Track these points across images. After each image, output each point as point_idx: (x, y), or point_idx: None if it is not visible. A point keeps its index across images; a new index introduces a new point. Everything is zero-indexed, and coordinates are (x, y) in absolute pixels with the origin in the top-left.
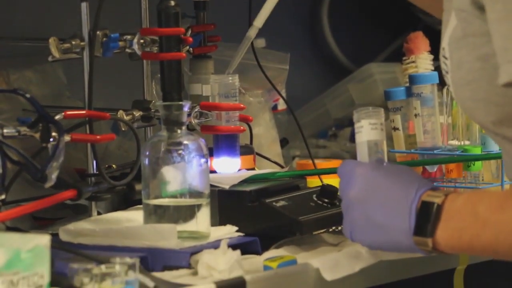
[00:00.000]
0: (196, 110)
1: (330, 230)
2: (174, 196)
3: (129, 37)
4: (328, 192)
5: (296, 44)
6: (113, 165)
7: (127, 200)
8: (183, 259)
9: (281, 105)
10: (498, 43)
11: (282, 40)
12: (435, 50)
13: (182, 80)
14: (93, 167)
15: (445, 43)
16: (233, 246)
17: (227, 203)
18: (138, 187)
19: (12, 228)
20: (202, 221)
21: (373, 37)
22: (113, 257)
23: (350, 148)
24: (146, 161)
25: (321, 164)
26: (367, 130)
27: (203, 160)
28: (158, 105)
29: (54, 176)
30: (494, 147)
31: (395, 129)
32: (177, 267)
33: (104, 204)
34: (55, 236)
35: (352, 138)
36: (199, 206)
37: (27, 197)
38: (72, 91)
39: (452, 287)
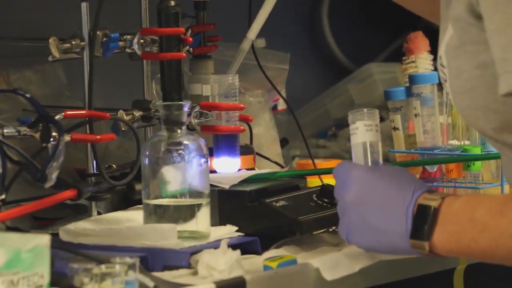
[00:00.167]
0: (196, 110)
1: (330, 230)
2: (174, 196)
3: (129, 37)
4: (328, 192)
5: (296, 44)
6: (113, 165)
7: (127, 200)
8: (183, 259)
9: (281, 105)
10: (498, 54)
11: (282, 40)
12: (435, 50)
13: (182, 80)
14: (93, 167)
15: (442, 51)
16: (233, 246)
17: (227, 203)
18: (138, 187)
19: (12, 228)
20: (202, 221)
21: (373, 37)
22: (113, 257)
23: (350, 148)
24: (146, 161)
25: (321, 164)
26: (362, 131)
27: (203, 160)
28: (158, 105)
29: (54, 176)
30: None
31: (395, 129)
32: (177, 267)
33: (104, 204)
34: (55, 236)
35: None
36: (199, 206)
37: (27, 197)
38: (72, 91)
39: (452, 287)
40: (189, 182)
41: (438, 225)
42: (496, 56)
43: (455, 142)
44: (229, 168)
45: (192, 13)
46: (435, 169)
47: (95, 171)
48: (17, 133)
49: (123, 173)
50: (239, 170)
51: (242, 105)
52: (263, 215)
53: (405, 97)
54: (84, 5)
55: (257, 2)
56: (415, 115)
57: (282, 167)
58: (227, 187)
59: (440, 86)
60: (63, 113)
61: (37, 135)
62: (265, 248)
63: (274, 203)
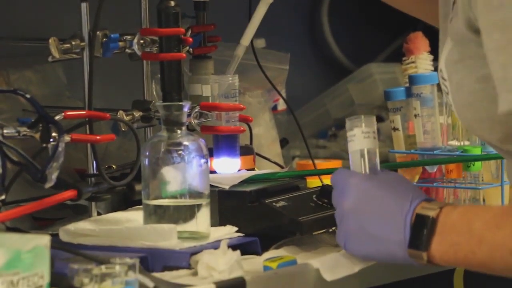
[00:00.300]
0: (196, 110)
1: (330, 230)
2: (174, 196)
3: (129, 37)
4: (328, 192)
5: (296, 44)
6: (113, 166)
7: (127, 201)
8: (183, 259)
9: (281, 105)
10: (497, 73)
11: (282, 40)
12: (435, 50)
13: (182, 80)
14: (93, 167)
15: (442, 65)
16: (233, 247)
17: (227, 204)
18: (138, 187)
19: (12, 229)
20: (202, 221)
21: (373, 37)
22: (113, 257)
23: None
24: (146, 162)
25: (321, 164)
26: (360, 138)
27: (203, 160)
28: (158, 106)
29: (54, 176)
30: None
31: (395, 129)
32: (177, 268)
33: (104, 204)
34: (55, 237)
35: None
36: (199, 207)
37: (27, 198)
38: (72, 92)
39: (452, 287)
40: (189, 182)
41: (436, 235)
42: (495, 75)
43: (455, 143)
44: (229, 168)
45: (192, 14)
46: (435, 170)
47: (95, 172)
48: (17, 134)
49: (123, 174)
50: (239, 170)
51: (242, 106)
52: (263, 216)
53: (405, 98)
54: (84, 5)
55: (257, 2)
56: (415, 115)
57: (282, 167)
58: (227, 187)
59: (440, 86)
60: (63, 114)
61: (37, 136)
62: (265, 248)
63: (274, 204)
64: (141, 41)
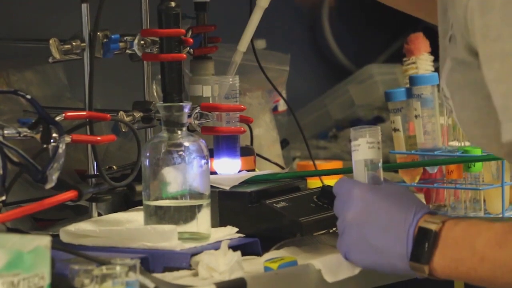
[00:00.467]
0: (197, 111)
1: (331, 231)
2: (174, 197)
3: (129, 38)
4: (328, 193)
5: (296, 45)
6: (114, 166)
7: (127, 201)
8: (183, 260)
9: (282, 106)
10: (498, 102)
11: (282, 41)
12: (435, 51)
13: (182, 81)
14: (93, 168)
15: (443, 84)
16: (233, 247)
17: (227, 204)
18: (138, 188)
19: (12, 229)
20: (202, 222)
21: (373, 38)
22: (114, 258)
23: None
24: (147, 162)
25: (322, 165)
26: (364, 148)
27: (203, 161)
28: (159, 106)
29: (54, 177)
30: None
31: (396, 130)
32: (177, 268)
33: (105, 205)
34: (55, 237)
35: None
36: (199, 207)
37: (28, 198)
38: (72, 92)
39: (453, 287)
40: (190, 183)
41: (438, 249)
42: (497, 103)
43: (455, 143)
44: (229, 169)
45: (192, 14)
46: (435, 170)
47: (95, 172)
48: (17, 134)
49: (123, 174)
50: (239, 171)
51: (242, 106)
52: (264, 216)
53: (405, 98)
54: (84, 6)
55: None
56: (416, 116)
57: (282, 168)
58: (227, 188)
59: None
60: (64, 114)
61: (38, 136)
62: (266, 249)
63: (274, 204)
64: (142, 42)
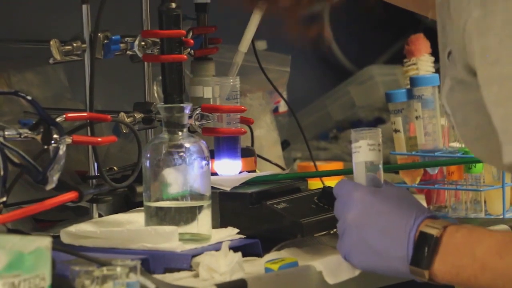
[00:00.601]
0: (197, 112)
1: (332, 232)
2: (175, 198)
3: (130, 39)
4: (329, 194)
5: (297, 46)
6: (114, 167)
7: (128, 202)
8: (184, 261)
9: (282, 107)
10: (498, 124)
11: (283, 42)
12: (436, 52)
13: (183, 82)
14: (94, 169)
15: (444, 100)
16: (234, 248)
17: (228, 205)
18: (139, 189)
19: (13, 230)
20: (203, 223)
21: (374, 39)
22: (115, 259)
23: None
24: (147, 163)
25: (322, 166)
26: (365, 150)
27: (204, 162)
28: (159, 107)
29: (55, 178)
30: None
31: (396, 131)
32: (178, 269)
33: (105, 206)
34: (56, 238)
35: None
36: (200, 208)
37: (29, 199)
38: (73, 93)
39: (453, 287)
40: (190, 184)
41: (438, 255)
42: (497, 126)
43: (456, 144)
44: (230, 170)
45: (193, 15)
46: (436, 171)
47: (96, 173)
48: (18, 135)
49: (124, 175)
50: (240, 172)
51: (243, 107)
52: (264, 217)
53: (406, 99)
54: (85, 7)
55: None
56: (416, 117)
57: (283, 169)
58: (228, 189)
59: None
60: (64, 115)
61: (38, 137)
62: (266, 250)
63: (275, 205)
64: (142, 43)
